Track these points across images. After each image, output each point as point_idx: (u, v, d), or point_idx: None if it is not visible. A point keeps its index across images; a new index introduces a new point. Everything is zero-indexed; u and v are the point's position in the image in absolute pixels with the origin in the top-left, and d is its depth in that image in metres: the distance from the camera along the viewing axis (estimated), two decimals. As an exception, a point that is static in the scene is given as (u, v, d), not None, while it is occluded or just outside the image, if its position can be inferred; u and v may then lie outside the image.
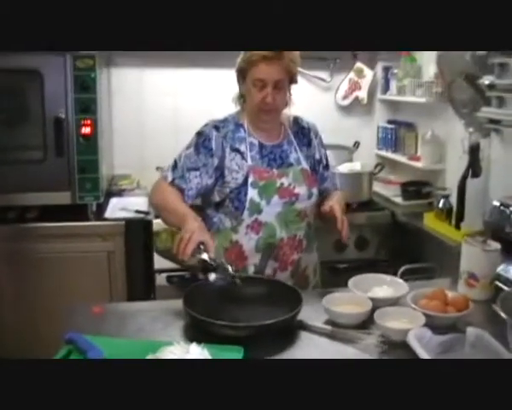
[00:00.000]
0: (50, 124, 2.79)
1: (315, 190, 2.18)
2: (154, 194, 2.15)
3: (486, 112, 2.59)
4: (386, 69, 3.67)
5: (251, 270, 2.08)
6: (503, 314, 1.45)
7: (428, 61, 3.17)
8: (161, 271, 2.97)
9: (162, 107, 3.62)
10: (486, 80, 2.51)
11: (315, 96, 3.76)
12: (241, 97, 2.18)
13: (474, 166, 2.64)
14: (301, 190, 2.12)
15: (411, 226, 3.05)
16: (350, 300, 1.77)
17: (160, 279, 2.96)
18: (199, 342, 1.45)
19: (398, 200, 3.36)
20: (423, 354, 1.40)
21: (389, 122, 3.74)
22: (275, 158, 2.15)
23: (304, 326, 1.66)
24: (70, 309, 1.82)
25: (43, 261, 2.82)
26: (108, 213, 2.99)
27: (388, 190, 3.49)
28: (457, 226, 2.65)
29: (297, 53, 2.09)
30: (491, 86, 2.54)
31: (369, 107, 3.84)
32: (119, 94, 3.53)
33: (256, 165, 2.10)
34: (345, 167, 3.29)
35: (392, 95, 3.61)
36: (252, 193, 2.06)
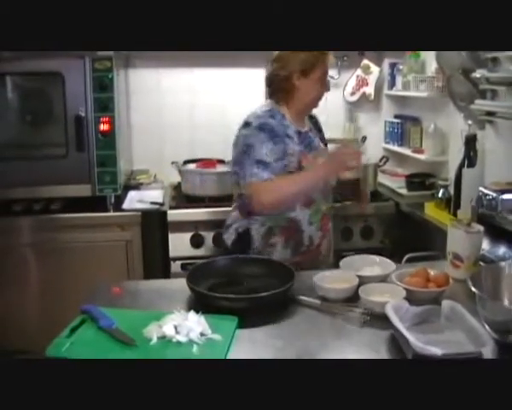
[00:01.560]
0: (71, 122, 2.98)
1: None
2: (265, 196, 2.18)
3: (481, 104, 2.71)
4: (393, 65, 3.79)
5: (306, 241, 2.34)
6: (473, 288, 1.58)
7: (431, 57, 3.28)
8: (176, 258, 3.14)
9: (178, 105, 3.79)
10: (478, 74, 2.63)
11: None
12: (287, 93, 2.33)
13: (470, 157, 2.77)
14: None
15: (414, 216, 3.17)
16: (339, 278, 1.90)
17: (175, 267, 3.14)
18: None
19: (404, 191, 3.49)
20: (398, 324, 1.53)
21: (396, 117, 3.87)
22: (309, 143, 2.38)
23: (296, 300, 1.81)
24: (91, 288, 1.98)
25: (66, 250, 3.02)
26: (126, 205, 3.17)
27: (394, 182, 3.62)
28: (454, 214, 2.77)
29: None
30: (485, 79, 2.66)
31: (377, 102, 3.97)
32: (138, 93, 3.72)
33: (301, 150, 2.33)
34: (351, 160, 3.43)
35: (397, 90, 3.73)
36: None
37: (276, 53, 2.35)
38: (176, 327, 1.56)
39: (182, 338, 1.53)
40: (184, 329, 1.55)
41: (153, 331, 1.56)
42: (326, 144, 2.62)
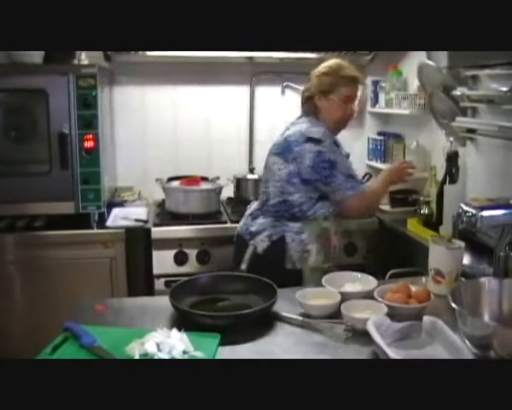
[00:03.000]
0: (55, 139, 2.98)
1: None
2: (372, 203, 2.72)
3: (462, 121, 2.75)
4: (375, 83, 3.83)
5: (332, 249, 2.59)
6: (452, 303, 1.60)
7: (413, 75, 3.31)
8: (160, 276, 3.14)
9: (162, 122, 3.80)
10: (459, 91, 2.67)
11: (308, 110, 3.93)
12: (314, 112, 2.58)
13: (452, 173, 2.81)
14: None
15: (397, 232, 3.19)
16: (321, 294, 1.92)
17: (159, 284, 3.14)
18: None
19: (387, 207, 3.51)
20: (379, 340, 1.54)
21: (379, 134, 3.90)
22: None
23: (278, 317, 1.82)
24: (74, 305, 1.97)
25: (50, 267, 3.00)
26: (110, 222, 3.16)
27: (377, 198, 3.64)
28: (437, 230, 2.79)
29: None
30: (466, 97, 2.70)
31: (360, 119, 3.99)
32: (122, 110, 3.73)
33: None
34: (334, 177, 3.45)
35: (380, 107, 3.78)
36: None
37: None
38: (158, 345, 1.56)
39: (164, 356, 1.53)
40: (166, 346, 1.55)
41: (135, 349, 1.55)
42: None
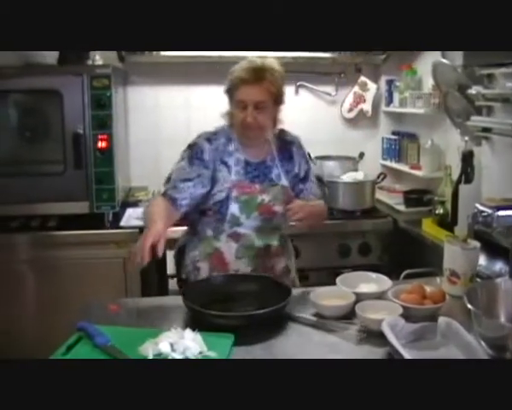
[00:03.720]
0: (69, 139, 2.99)
1: None
2: (146, 207, 2.30)
3: (477, 121, 2.72)
4: (390, 82, 3.81)
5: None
6: (468, 304, 1.58)
7: (427, 74, 3.29)
8: (174, 276, 3.13)
9: (176, 121, 3.80)
10: (474, 90, 2.64)
11: (321, 110, 3.93)
12: (230, 114, 2.28)
13: (467, 173, 2.78)
14: (280, 208, 2.25)
15: (412, 232, 3.17)
16: (335, 295, 1.91)
17: (173, 284, 3.12)
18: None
19: (401, 207, 3.49)
20: (394, 341, 1.53)
21: (393, 133, 3.89)
22: (258, 175, 2.27)
23: (292, 317, 1.82)
24: (88, 305, 1.98)
25: (63, 267, 3.01)
26: (124, 222, 3.16)
27: (392, 199, 3.63)
28: (452, 230, 2.77)
29: (278, 76, 2.19)
30: (481, 96, 2.68)
31: (374, 119, 3.99)
32: (136, 110, 3.74)
33: (239, 180, 2.23)
34: (348, 177, 3.45)
35: (395, 107, 3.76)
36: (233, 208, 2.21)
37: None
38: (172, 345, 1.56)
39: (177, 356, 1.53)
40: (180, 346, 1.55)
41: (148, 349, 1.56)
42: (305, 178, 2.41)
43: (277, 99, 2.22)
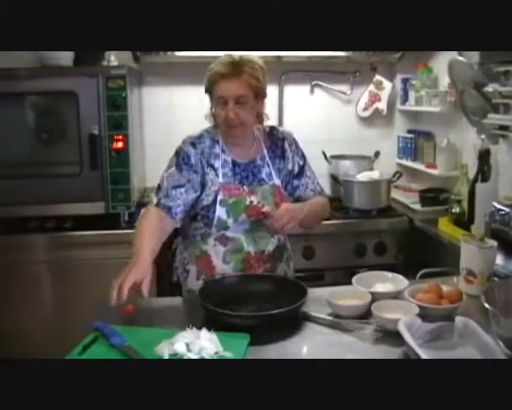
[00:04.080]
0: (85, 140, 3.00)
1: None
2: (139, 220, 2.19)
3: (493, 118, 2.70)
4: (405, 81, 3.79)
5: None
6: (485, 304, 1.57)
7: (443, 72, 3.27)
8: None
9: (190, 122, 3.78)
10: (491, 88, 2.62)
11: (336, 109, 3.92)
12: (213, 114, 2.23)
13: (483, 172, 2.76)
14: (269, 208, 2.17)
15: (428, 231, 3.15)
16: (351, 294, 1.90)
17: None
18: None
19: (417, 206, 3.47)
20: (410, 341, 1.52)
21: (409, 132, 3.87)
22: (247, 176, 2.22)
23: (307, 317, 1.81)
24: (102, 305, 1.97)
25: (79, 267, 3.02)
26: (139, 222, 3.17)
27: (407, 198, 3.61)
28: (468, 229, 2.75)
29: (257, 68, 2.13)
30: (497, 93, 2.65)
31: (389, 117, 3.96)
32: (150, 111, 3.75)
33: (227, 182, 2.18)
34: (364, 176, 3.43)
35: (410, 105, 3.74)
36: (220, 211, 2.15)
37: None
38: (187, 345, 1.56)
39: (193, 356, 1.53)
40: (196, 346, 1.55)
41: (164, 349, 1.56)
42: (300, 174, 2.35)
43: (258, 93, 2.15)
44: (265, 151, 2.27)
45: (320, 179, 3.76)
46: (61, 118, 3.11)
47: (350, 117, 3.95)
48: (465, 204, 2.90)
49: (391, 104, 3.92)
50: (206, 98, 3.72)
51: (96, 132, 3.00)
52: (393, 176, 3.49)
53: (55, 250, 3.03)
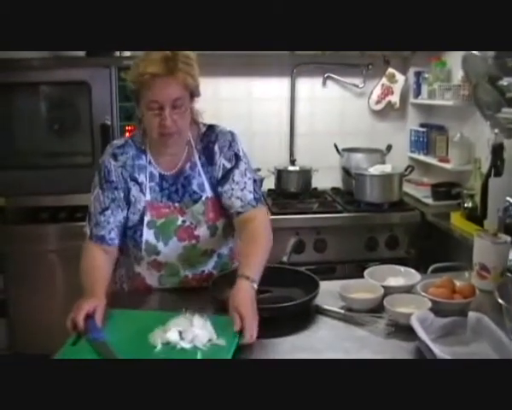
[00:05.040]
0: (97, 130, 3.02)
1: (223, 221, 1.97)
2: (81, 258, 1.89)
3: (508, 113, 2.68)
4: (418, 74, 3.77)
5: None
6: (499, 300, 1.56)
7: (457, 65, 3.25)
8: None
9: (204, 113, 3.79)
10: (505, 82, 2.60)
11: (349, 102, 3.91)
12: (140, 120, 1.91)
13: (497, 166, 2.74)
14: (201, 230, 1.94)
15: (440, 226, 3.14)
16: (364, 287, 1.89)
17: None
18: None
19: (429, 200, 3.46)
20: (423, 336, 1.52)
21: (421, 125, 3.85)
22: (176, 190, 1.94)
23: (320, 310, 1.81)
24: (113, 292, 1.96)
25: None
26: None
27: (419, 192, 3.60)
28: (481, 224, 2.74)
29: (192, 63, 1.80)
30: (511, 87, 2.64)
31: (402, 111, 3.94)
32: (162, 102, 3.74)
33: (154, 200, 1.92)
34: (376, 169, 3.42)
35: (423, 99, 3.72)
36: (147, 234, 1.91)
37: None
38: (180, 333, 1.56)
39: (186, 345, 1.53)
40: (189, 335, 1.55)
41: (157, 338, 1.56)
42: (223, 178, 1.94)
43: (194, 92, 1.86)
44: (197, 157, 1.95)
45: (332, 172, 3.79)
46: (74, 108, 3.13)
47: (362, 110, 3.93)
48: (477, 199, 2.89)
49: (403, 97, 3.90)
50: (220, 90, 3.77)
51: (109, 123, 3.02)
52: (405, 170, 3.47)
53: (67, 240, 3.06)
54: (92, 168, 3.04)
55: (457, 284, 1.87)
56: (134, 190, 1.91)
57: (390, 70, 3.83)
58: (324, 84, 3.87)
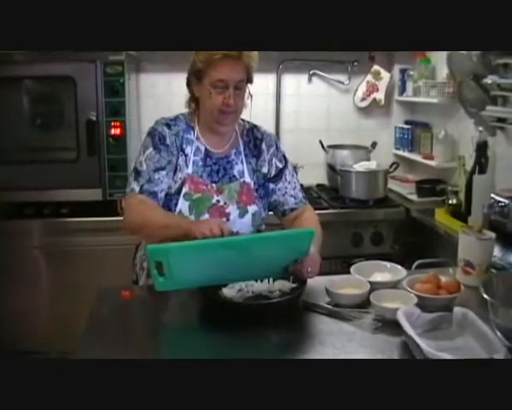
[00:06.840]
0: (83, 126, 3.00)
1: (253, 208, 2.07)
2: (132, 215, 1.95)
3: (492, 110, 2.71)
4: (403, 71, 3.79)
5: None
6: (484, 295, 1.58)
7: (442, 63, 3.28)
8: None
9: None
10: (490, 80, 2.63)
11: (334, 99, 3.92)
12: (194, 100, 2.08)
13: (481, 163, 2.77)
14: (232, 209, 2.03)
15: (425, 222, 3.16)
16: (350, 283, 1.90)
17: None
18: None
19: (414, 197, 3.48)
20: (410, 331, 1.53)
21: (406, 123, 3.87)
22: (218, 170, 2.06)
23: (307, 306, 1.81)
24: (99, 291, 1.96)
25: (76, 253, 3.03)
26: (136, 209, 3.17)
27: (404, 188, 3.62)
28: (465, 221, 2.76)
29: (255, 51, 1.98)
30: (496, 85, 2.66)
31: (387, 108, 3.96)
32: (148, 98, 3.72)
33: (195, 174, 2.02)
34: (361, 166, 3.43)
35: (408, 96, 3.74)
36: (182, 204, 1.98)
37: None
38: None
39: None
40: None
41: None
42: (276, 177, 2.16)
43: (250, 77, 2.02)
44: (242, 147, 2.11)
45: (317, 168, 3.81)
46: (59, 103, 3.11)
47: (348, 107, 3.94)
48: (462, 195, 2.91)
49: (389, 95, 3.92)
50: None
51: (94, 118, 3.00)
52: (390, 166, 3.49)
53: (51, 236, 3.04)
54: (77, 164, 3.08)
55: (443, 279, 1.88)
56: (180, 160, 2.01)
57: (375, 67, 3.84)
58: (310, 80, 3.88)
